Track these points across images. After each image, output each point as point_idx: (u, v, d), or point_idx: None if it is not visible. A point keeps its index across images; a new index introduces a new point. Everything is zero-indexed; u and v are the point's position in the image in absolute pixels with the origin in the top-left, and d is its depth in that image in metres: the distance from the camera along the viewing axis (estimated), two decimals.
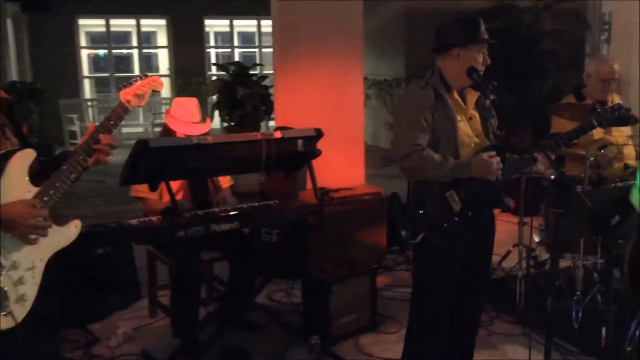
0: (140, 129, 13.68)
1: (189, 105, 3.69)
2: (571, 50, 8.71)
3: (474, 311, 2.98)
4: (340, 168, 4.95)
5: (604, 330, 3.05)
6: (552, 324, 2.82)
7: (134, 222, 3.23)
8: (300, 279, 3.93)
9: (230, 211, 3.27)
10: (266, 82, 8.19)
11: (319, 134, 3.35)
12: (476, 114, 2.78)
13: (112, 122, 2.19)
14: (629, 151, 4.06)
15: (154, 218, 3.22)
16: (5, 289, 1.98)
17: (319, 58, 5.06)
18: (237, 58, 14.19)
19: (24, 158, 2.08)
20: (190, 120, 3.68)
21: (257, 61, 12.68)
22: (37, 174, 2.09)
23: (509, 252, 4.49)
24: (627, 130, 4.11)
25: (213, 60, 14.98)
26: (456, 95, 2.74)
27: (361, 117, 5.28)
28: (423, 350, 2.81)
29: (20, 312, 2.00)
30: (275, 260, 3.68)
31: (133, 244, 4.10)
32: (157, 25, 14.74)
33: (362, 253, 4.49)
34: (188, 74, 13.14)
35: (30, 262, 2.05)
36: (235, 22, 14.55)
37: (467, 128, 2.73)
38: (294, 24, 4.99)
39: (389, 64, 11.10)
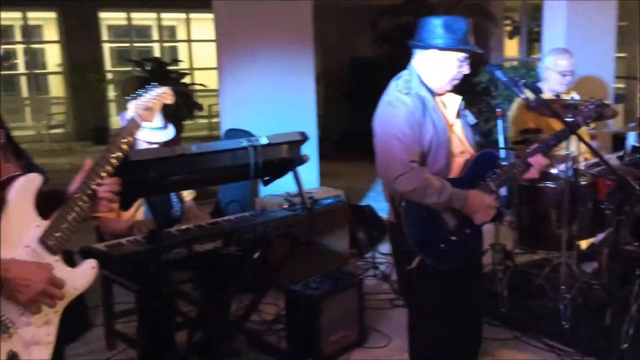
0: (31, 132, 12.53)
1: None
2: (479, 44, 8.91)
3: (478, 326, 2.79)
4: None
5: None
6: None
7: (101, 246, 2.80)
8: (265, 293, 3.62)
9: (209, 228, 2.93)
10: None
11: (304, 137, 3.08)
12: (458, 121, 2.57)
13: (124, 141, 1.81)
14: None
15: (123, 241, 2.82)
16: (15, 351, 1.57)
17: (268, 54, 4.75)
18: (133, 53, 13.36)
19: (30, 185, 1.65)
20: (152, 125, 3.26)
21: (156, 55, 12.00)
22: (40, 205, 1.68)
23: (484, 253, 4.37)
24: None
25: (107, 55, 13.95)
26: (439, 101, 2.52)
27: (313, 114, 5.03)
28: None
29: None
30: (253, 277, 3.34)
31: None
32: (44, 19, 13.54)
33: (327, 261, 4.26)
34: (83, 71, 12.09)
35: (43, 316, 1.65)
36: (133, 14, 13.63)
37: (455, 137, 2.50)
38: (238, 18, 4.66)
39: None
